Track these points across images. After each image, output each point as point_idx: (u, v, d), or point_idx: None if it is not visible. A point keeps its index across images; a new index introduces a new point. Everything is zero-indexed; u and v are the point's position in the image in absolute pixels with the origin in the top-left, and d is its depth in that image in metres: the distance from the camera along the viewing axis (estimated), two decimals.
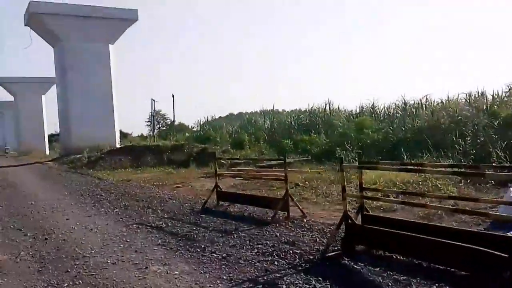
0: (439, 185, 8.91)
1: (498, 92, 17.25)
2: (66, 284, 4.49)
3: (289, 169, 13.91)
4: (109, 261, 5.20)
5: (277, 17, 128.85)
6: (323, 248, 4.99)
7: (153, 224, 7.11)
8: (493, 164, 8.83)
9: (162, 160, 21.17)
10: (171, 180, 14.31)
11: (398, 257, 4.50)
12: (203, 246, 5.56)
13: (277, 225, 6.42)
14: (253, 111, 33.34)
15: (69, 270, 4.92)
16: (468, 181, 9.06)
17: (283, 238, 5.68)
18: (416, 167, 5.42)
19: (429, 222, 5.67)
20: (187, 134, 40.48)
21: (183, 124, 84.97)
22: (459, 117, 14.44)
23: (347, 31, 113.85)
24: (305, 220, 6.63)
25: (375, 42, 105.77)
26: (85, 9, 29.06)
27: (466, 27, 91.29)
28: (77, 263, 5.23)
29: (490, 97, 16.95)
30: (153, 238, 6.16)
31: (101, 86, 29.25)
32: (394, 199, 5.72)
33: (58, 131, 66.09)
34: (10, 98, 55.36)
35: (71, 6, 28.79)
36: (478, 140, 12.00)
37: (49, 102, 52.34)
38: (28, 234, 6.88)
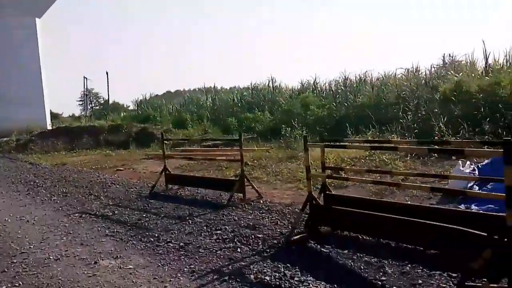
0: (386, 160, 9.07)
1: (433, 66, 17.93)
2: (4, 286, 3.95)
3: (235, 148, 13.73)
4: (51, 257, 4.66)
5: None
6: (286, 231, 4.80)
7: (97, 213, 6.55)
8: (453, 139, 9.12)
9: (99, 142, 20.05)
10: (110, 163, 13.54)
11: (365, 237, 4.40)
12: (156, 235, 5.16)
13: (234, 208, 6.15)
14: (192, 89, 32.55)
15: (6, 270, 4.35)
16: (414, 155, 9.31)
17: (242, 222, 5.42)
18: (389, 145, 5.30)
19: (394, 201, 5.67)
20: (123, 113, 38.86)
21: (117, 103, 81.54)
22: (401, 93, 14.83)
23: (289, 8, 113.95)
24: (261, 202, 6.41)
25: (315, 19, 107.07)
26: None
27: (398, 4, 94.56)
28: (15, 261, 4.65)
29: (427, 72, 17.60)
30: (99, 229, 5.65)
31: (29, 63, 27.04)
32: (360, 178, 5.58)
33: None
34: None
35: None
36: (419, 115, 12.39)
37: None
38: None
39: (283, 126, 14.73)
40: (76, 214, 6.52)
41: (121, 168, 12.19)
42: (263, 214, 5.72)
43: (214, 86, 28.93)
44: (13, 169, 12.99)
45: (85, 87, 48.00)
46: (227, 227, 5.22)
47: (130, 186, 8.66)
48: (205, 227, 5.32)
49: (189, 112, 23.54)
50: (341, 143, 5.55)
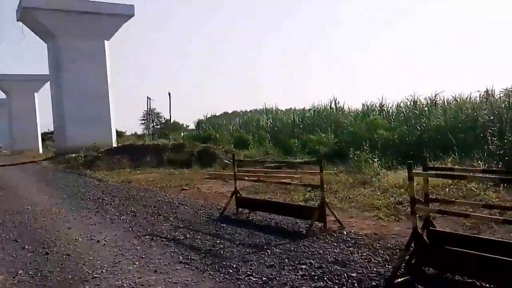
0: (474, 189, 8.17)
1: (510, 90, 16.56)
2: None
3: (301, 170, 13.18)
4: (125, 285, 4.36)
5: (271, 15, 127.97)
6: (384, 271, 4.19)
7: (168, 236, 6.25)
8: None
9: (162, 160, 20.28)
10: (175, 182, 13.44)
11: (483, 284, 3.70)
12: (234, 265, 4.72)
13: (315, 238, 5.60)
14: (249, 110, 32.51)
15: None
16: (505, 184, 8.33)
17: (328, 256, 4.86)
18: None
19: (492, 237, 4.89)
20: (183, 133, 39.68)
21: (177, 123, 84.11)
22: (480, 116, 13.72)
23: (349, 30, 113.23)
24: (344, 233, 5.82)
25: (376, 42, 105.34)
26: (79, 4, 28.07)
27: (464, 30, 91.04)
28: (87, 287, 4.39)
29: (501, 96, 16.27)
30: (172, 254, 5.31)
31: (97, 84, 28.30)
32: (472, 212, 4.83)
33: (52, 130, 65.01)
34: (2, 96, 54.15)
35: (65, 1, 27.75)
36: (506, 140, 11.28)
37: (42, 100, 50.92)
38: (26, 247, 6.02)
39: (351, 149, 14.06)
40: (147, 237, 6.25)
41: (186, 188, 12.02)
42: (350, 248, 5.12)
43: (275, 107, 28.61)
44: (82, 185, 13.23)
45: (149, 107, 49.44)
46: (312, 262, 4.68)
47: (198, 208, 8.35)
48: (286, 260, 4.81)
49: (249, 133, 23.42)
50: (458, 173, 4.81)
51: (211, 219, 7.27)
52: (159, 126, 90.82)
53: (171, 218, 7.46)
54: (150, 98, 46.13)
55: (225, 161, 18.08)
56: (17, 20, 28.78)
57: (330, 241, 5.45)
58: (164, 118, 76.95)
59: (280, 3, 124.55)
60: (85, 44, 27.88)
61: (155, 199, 9.68)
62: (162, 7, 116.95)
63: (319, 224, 6.08)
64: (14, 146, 48.31)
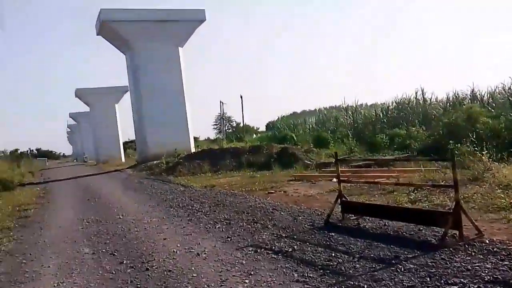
0: None
1: None
2: None
3: (400, 168, 12.04)
4: None
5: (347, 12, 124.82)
6: None
7: (273, 247, 5.61)
8: None
9: (241, 163, 19.98)
10: (258, 185, 12.93)
11: None
12: (365, 286, 3.95)
13: (452, 250, 4.65)
14: (317, 108, 31.34)
15: None
16: None
17: (481, 273, 3.92)
18: None
19: None
20: (255, 135, 39.57)
21: (248, 125, 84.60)
22: None
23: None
24: (487, 242, 4.80)
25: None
26: (153, 13, 28.83)
27: None
28: None
29: None
30: (284, 270, 4.65)
31: (174, 90, 28.91)
32: None
33: (131, 139, 68.19)
34: (87, 108, 57.66)
35: (140, 12, 28.68)
36: None
37: (122, 110, 53.42)
38: (124, 262, 5.69)
39: (450, 142, 12.65)
40: (250, 248, 5.66)
41: (272, 191, 11.42)
42: (504, 262, 4.13)
43: (355, 103, 26.97)
44: (168, 192, 13.15)
45: (221, 110, 50.06)
46: (463, 281, 3.77)
47: (295, 213, 7.66)
48: (428, 279, 3.94)
49: (327, 131, 22.42)
50: None
51: (314, 226, 6.53)
52: (230, 130, 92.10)
53: (269, 226, 6.83)
54: (222, 102, 46.74)
55: (306, 161, 17.31)
56: (97, 34, 30.18)
57: (473, 253, 4.47)
58: (235, 121, 77.68)
59: None
60: (160, 52, 28.58)
61: (246, 205, 9.15)
62: (233, 12, 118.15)
63: (452, 232, 5.10)
64: (98, 156, 51.12)
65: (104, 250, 6.44)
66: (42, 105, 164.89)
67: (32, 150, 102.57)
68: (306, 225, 6.64)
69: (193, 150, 28.55)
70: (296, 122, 29.25)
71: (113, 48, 31.39)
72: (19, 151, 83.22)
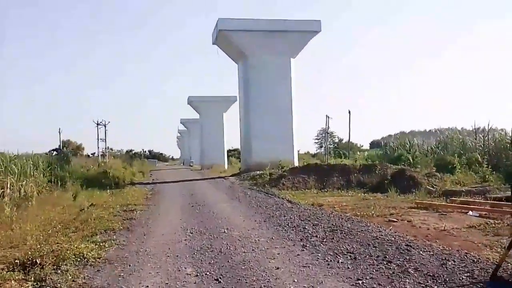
0: None
1: None
2: None
3: None
4: None
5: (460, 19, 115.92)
6: None
7: None
8: None
9: (349, 182, 18.42)
10: (374, 209, 11.37)
11: None
12: None
13: None
14: (427, 130, 27.98)
15: None
16: None
17: None
18: None
19: None
20: (359, 153, 37.34)
21: (351, 142, 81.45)
22: None
23: None
24: None
25: None
26: (268, 23, 28.62)
27: None
28: None
29: None
30: None
31: (282, 102, 28.34)
32: None
33: (234, 147, 69.62)
34: (196, 116, 60.17)
35: (256, 21, 28.63)
36: None
37: (228, 119, 54.64)
38: None
39: None
40: None
41: (394, 219, 9.80)
42: None
43: (488, 126, 23.13)
44: (274, 207, 12.15)
45: (327, 125, 48.42)
46: None
47: (439, 255, 6.06)
48: None
49: (453, 154, 19.77)
50: None
51: (476, 279, 4.92)
52: (332, 146, 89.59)
53: (410, 270, 5.36)
54: (328, 117, 45.18)
55: (428, 187, 15.18)
56: (213, 44, 30.87)
57: None
58: (338, 137, 75.30)
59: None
60: (272, 63, 28.24)
61: (368, 235, 7.71)
62: (347, 23, 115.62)
63: None
64: (203, 161, 52.69)
65: (208, 274, 5.53)
66: (158, 110, 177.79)
67: (145, 151, 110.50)
68: (462, 276, 5.04)
69: (296, 163, 27.55)
70: (412, 142, 26.58)
71: (224, 59, 31.88)
72: (133, 152, 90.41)
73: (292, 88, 29.00)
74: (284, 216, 10.31)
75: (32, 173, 17.83)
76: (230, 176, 28.83)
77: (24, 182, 15.21)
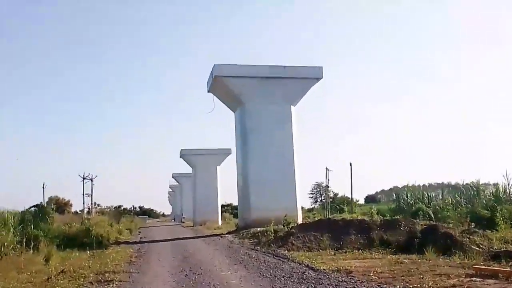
0: None
1: None
2: None
3: None
4: None
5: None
6: None
7: None
8: None
9: (371, 240, 15.71)
10: (423, 278, 8.78)
11: None
12: None
13: None
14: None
15: None
16: None
17: None
18: None
19: None
20: (355, 207, 34.86)
21: (347, 197, 78.44)
22: None
23: None
24: None
25: None
26: (267, 69, 26.99)
27: None
28: None
29: None
30: None
31: (283, 151, 26.10)
32: None
33: (228, 202, 66.27)
34: (188, 170, 57.74)
35: (253, 67, 26.97)
36: None
37: (221, 173, 52.14)
38: None
39: None
40: None
41: None
42: None
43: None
44: (293, 277, 9.40)
45: (327, 178, 45.88)
46: None
47: None
48: None
49: (482, 207, 17.35)
50: None
51: None
52: (325, 200, 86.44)
53: None
54: (328, 169, 42.81)
55: (474, 247, 12.57)
56: (208, 91, 29.04)
57: None
58: (333, 192, 72.38)
59: None
60: (271, 110, 26.37)
61: None
62: (349, 69, 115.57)
63: None
64: (196, 216, 49.69)
65: None
66: (149, 163, 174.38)
67: (135, 208, 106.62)
68: None
69: (300, 218, 24.82)
70: (430, 195, 24.09)
71: (218, 110, 29.98)
72: (122, 208, 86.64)
73: (294, 136, 26.87)
74: None
75: None
76: (226, 233, 25.90)
77: None
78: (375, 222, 17.16)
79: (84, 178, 42.69)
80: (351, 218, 19.10)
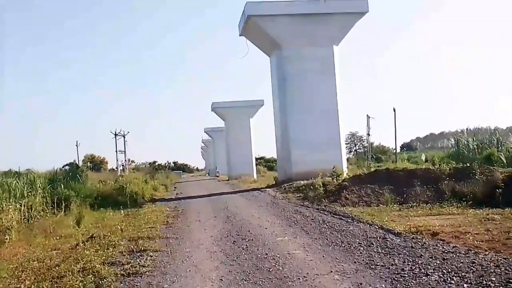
0: None
1: None
2: None
3: None
4: None
5: None
6: None
7: None
8: None
9: (440, 193, 13.54)
10: None
11: None
12: None
13: None
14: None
15: None
16: None
17: None
18: None
19: None
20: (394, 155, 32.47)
21: (383, 146, 75.25)
22: None
23: None
24: None
25: None
26: (306, 5, 24.00)
27: None
28: None
29: None
30: None
31: (326, 98, 23.48)
32: None
33: (261, 155, 64.50)
34: (221, 124, 56.10)
35: (290, 3, 24.01)
36: None
37: (255, 126, 50.15)
38: None
39: None
40: None
41: None
42: None
43: None
44: (374, 246, 7.36)
45: (368, 126, 43.05)
46: None
47: None
48: None
49: None
50: None
51: None
52: (361, 150, 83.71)
53: None
54: (369, 116, 39.90)
55: None
56: (240, 35, 26.44)
57: None
58: (367, 141, 69.69)
59: None
60: (312, 52, 23.58)
61: None
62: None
63: None
64: (230, 171, 48.50)
65: None
66: (182, 119, 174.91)
67: (170, 163, 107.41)
68: None
69: (345, 170, 22.70)
70: (499, 138, 21.25)
71: (245, 61, 27.39)
72: (157, 164, 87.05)
73: (337, 82, 24.21)
74: (387, 259, 5.62)
75: (24, 194, 13.70)
76: (266, 187, 24.15)
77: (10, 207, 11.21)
78: (443, 171, 14.85)
79: (116, 135, 41.66)
80: (415, 168, 16.75)
